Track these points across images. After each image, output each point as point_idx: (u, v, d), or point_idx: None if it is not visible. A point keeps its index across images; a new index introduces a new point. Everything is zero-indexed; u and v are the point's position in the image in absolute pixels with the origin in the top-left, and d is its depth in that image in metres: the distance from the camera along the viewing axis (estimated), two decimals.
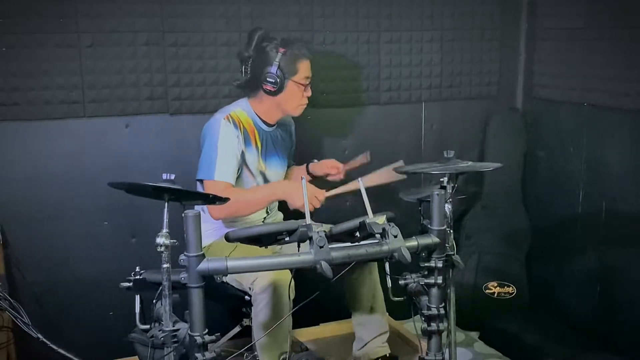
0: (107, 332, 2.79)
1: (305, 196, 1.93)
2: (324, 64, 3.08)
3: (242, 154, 2.53)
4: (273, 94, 2.54)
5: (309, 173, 2.83)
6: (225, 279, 2.39)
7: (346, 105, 3.17)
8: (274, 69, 2.50)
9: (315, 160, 2.86)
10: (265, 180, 2.65)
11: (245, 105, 2.61)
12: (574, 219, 3.17)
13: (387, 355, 2.68)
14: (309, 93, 2.62)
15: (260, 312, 2.31)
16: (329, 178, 2.79)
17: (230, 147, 2.48)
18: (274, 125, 2.69)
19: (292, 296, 2.27)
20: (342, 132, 3.20)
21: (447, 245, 2.04)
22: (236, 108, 2.58)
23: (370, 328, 2.68)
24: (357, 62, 3.16)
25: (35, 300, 2.71)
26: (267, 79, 2.51)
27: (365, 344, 2.69)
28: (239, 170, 2.54)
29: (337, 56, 3.11)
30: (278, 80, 2.51)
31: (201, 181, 2.50)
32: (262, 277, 2.29)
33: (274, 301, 2.28)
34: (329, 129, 3.17)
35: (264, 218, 2.70)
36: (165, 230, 1.78)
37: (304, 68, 2.56)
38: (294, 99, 2.58)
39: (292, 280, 2.23)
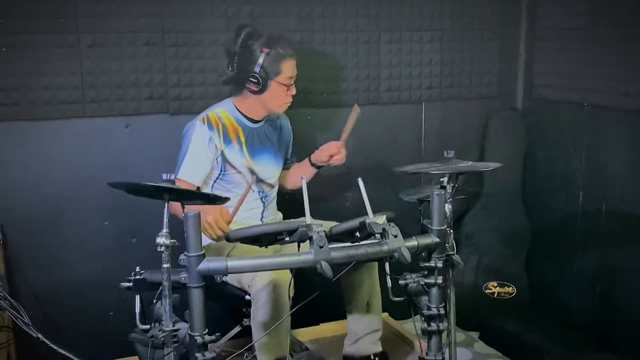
0: (107, 332, 2.79)
1: (305, 196, 1.93)
2: (323, 64, 3.08)
3: (222, 154, 2.56)
4: (257, 93, 2.55)
5: (312, 165, 2.78)
6: (225, 278, 2.40)
7: (346, 105, 3.17)
8: (257, 70, 2.50)
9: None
10: (255, 177, 2.65)
11: (229, 104, 2.64)
12: (574, 219, 3.17)
13: (379, 352, 2.68)
14: (293, 92, 2.60)
15: (258, 311, 2.31)
16: (333, 161, 2.72)
17: (199, 149, 2.52)
18: (260, 121, 2.68)
19: (292, 294, 2.27)
20: (342, 132, 3.19)
21: (447, 245, 2.05)
22: (218, 108, 2.61)
23: (364, 324, 2.68)
24: (357, 62, 3.15)
25: (35, 300, 2.71)
26: (251, 80, 2.52)
27: (358, 340, 2.69)
28: (221, 171, 2.57)
29: (337, 56, 3.11)
30: (261, 80, 2.51)
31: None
32: (261, 275, 2.29)
33: (273, 300, 2.27)
34: (328, 129, 3.16)
35: (262, 210, 2.69)
36: (165, 230, 1.78)
37: (287, 68, 2.54)
38: (277, 98, 2.57)
39: (292, 279, 2.24)
